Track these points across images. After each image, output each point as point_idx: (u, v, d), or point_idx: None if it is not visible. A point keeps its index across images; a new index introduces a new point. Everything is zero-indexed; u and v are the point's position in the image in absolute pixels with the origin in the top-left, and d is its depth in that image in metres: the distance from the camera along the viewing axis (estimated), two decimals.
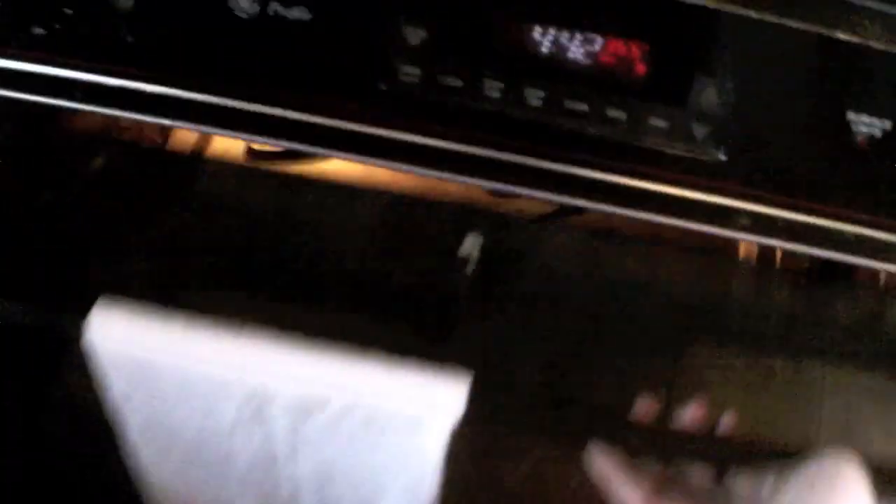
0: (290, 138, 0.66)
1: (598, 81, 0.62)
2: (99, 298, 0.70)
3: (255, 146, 0.89)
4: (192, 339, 0.69)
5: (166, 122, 0.67)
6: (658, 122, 0.63)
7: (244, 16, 0.62)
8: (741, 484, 0.64)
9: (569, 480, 0.81)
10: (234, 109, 0.66)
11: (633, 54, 0.61)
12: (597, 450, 0.67)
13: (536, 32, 0.61)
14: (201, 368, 0.70)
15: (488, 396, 0.68)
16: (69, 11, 0.64)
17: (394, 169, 0.66)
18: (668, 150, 0.64)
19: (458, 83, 0.63)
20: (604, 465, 0.67)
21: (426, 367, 0.69)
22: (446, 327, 0.75)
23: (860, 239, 0.65)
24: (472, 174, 0.66)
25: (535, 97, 0.63)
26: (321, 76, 0.64)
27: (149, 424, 0.76)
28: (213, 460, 0.78)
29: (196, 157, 0.88)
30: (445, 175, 0.66)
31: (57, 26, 0.64)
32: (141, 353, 0.70)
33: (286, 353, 0.69)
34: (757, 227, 0.66)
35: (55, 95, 0.67)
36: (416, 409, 0.68)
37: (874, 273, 0.73)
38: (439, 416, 0.68)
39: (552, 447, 0.79)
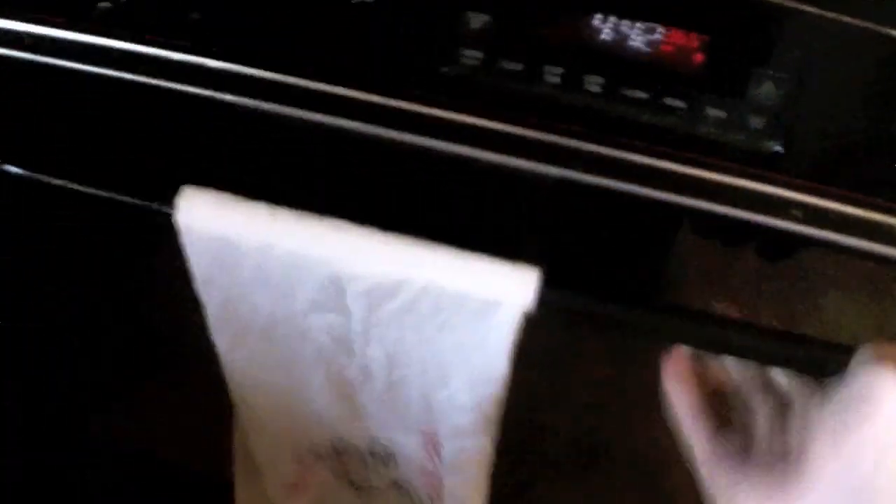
0: (354, 118, 0.67)
1: (656, 70, 0.63)
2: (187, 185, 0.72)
3: None
4: (274, 222, 0.71)
5: (228, 97, 0.68)
6: (715, 112, 0.64)
7: None
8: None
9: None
10: (297, 87, 0.67)
11: (693, 44, 0.62)
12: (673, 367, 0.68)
13: (597, 20, 0.62)
14: (282, 249, 0.72)
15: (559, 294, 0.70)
16: None
17: (452, 152, 0.66)
18: (724, 140, 0.64)
19: (519, 68, 0.64)
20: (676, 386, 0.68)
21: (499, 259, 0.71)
22: None
23: None
24: (529, 157, 0.66)
25: (594, 83, 0.64)
26: (385, 58, 0.65)
27: (229, 305, 0.79)
28: (288, 340, 0.81)
29: None
30: (503, 158, 0.66)
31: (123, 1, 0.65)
32: (224, 232, 0.72)
33: (365, 238, 0.71)
34: (809, 220, 0.66)
35: (122, 69, 0.69)
36: (489, 293, 0.70)
37: None
38: (511, 302, 0.70)
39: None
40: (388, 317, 0.73)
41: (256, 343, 0.82)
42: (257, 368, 0.86)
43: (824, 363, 0.63)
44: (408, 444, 0.90)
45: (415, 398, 0.83)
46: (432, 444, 0.88)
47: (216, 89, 0.68)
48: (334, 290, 0.72)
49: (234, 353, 0.85)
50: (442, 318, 0.71)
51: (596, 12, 0.62)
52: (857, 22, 0.60)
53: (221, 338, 0.84)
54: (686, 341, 0.68)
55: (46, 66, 0.70)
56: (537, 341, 0.70)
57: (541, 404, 0.85)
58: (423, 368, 0.77)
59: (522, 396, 0.75)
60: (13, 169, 0.74)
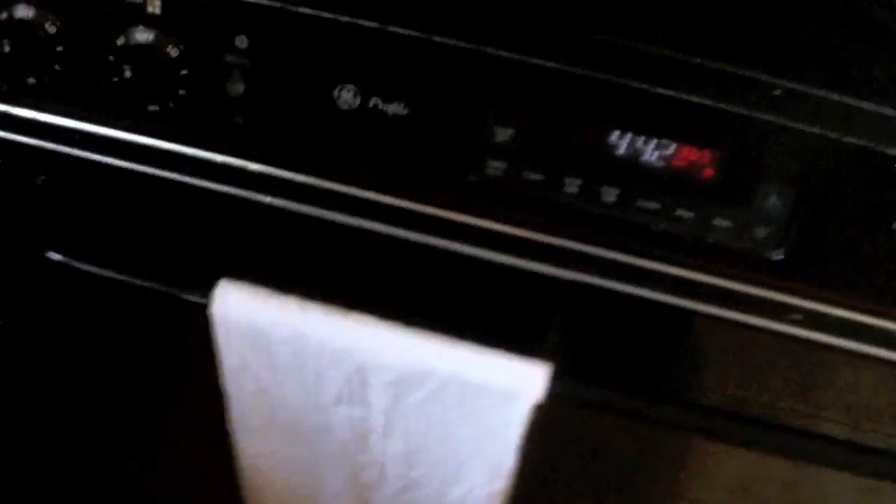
0: (385, 222, 0.72)
1: (669, 183, 0.67)
2: (222, 278, 0.77)
3: None
4: (306, 313, 0.76)
5: (267, 199, 0.73)
6: (722, 223, 0.68)
7: (346, 108, 0.68)
8: None
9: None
10: (332, 191, 0.71)
11: (704, 160, 0.67)
12: None
13: (614, 136, 0.66)
14: (314, 340, 0.77)
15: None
16: (182, 93, 0.69)
17: (477, 255, 0.71)
18: (731, 248, 0.69)
19: (540, 178, 0.68)
20: None
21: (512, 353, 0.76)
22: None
23: None
24: (547, 262, 0.71)
25: (610, 195, 0.68)
26: (415, 167, 0.69)
27: (258, 394, 0.83)
28: (311, 435, 0.85)
29: None
30: (524, 263, 0.71)
31: (171, 105, 0.70)
32: (259, 323, 0.77)
33: (392, 331, 0.76)
34: (809, 324, 0.71)
35: (167, 169, 0.73)
36: (506, 384, 0.75)
37: None
38: (525, 391, 0.75)
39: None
40: (411, 408, 0.77)
41: (279, 439, 0.86)
42: (276, 469, 0.89)
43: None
44: None
45: (429, 500, 0.86)
46: None
47: (255, 189, 0.72)
48: (359, 382, 0.76)
49: (257, 447, 0.88)
50: (463, 409, 0.75)
51: (614, 129, 0.66)
52: (853, 140, 0.64)
53: (245, 433, 0.87)
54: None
55: (94, 162, 0.74)
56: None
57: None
58: (441, 460, 0.80)
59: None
60: (56, 255, 0.78)
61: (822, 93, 0.64)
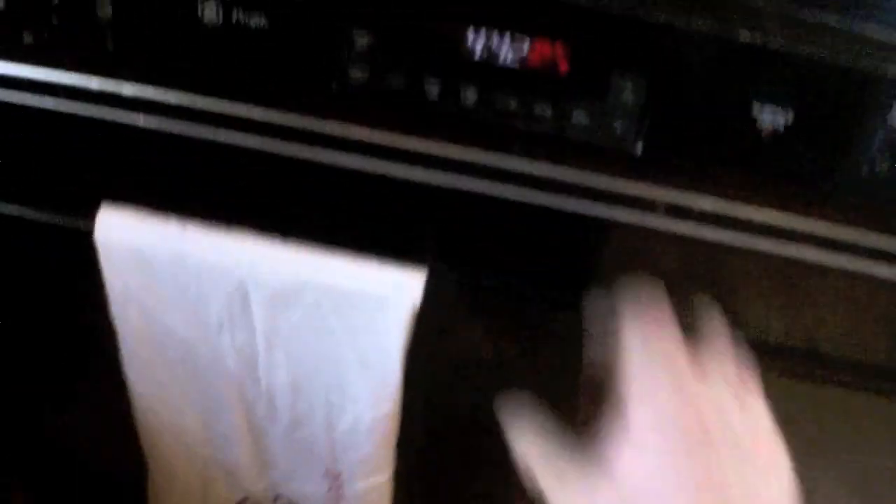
0: (255, 134, 0.74)
1: (526, 79, 0.69)
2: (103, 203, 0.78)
3: None
4: (185, 233, 0.77)
5: (140, 121, 0.74)
6: (581, 118, 0.70)
7: (210, 23, 0.70)
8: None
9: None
10: (204, 110, 0.73)
11: (557, 53, 0.69)
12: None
13: (471, 35, 0.68)
14: (194, 260, 0.78)
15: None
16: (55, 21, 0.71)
17: (342, 164, 0.73)
18: (592, 144, 0.71)
19: (402, 82, 0.70)
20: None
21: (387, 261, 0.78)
22: None
23: (765, 225, 0.72)
24: (415, 167, 0.73)
25: (470, 96, 0.70)
26: (280, 78, 0.71)
27: (145, 324, 0.83)
28: (199, 367, 0.85)
29: None
30: (391, 169, 0.73)
31: (45, 35, 0.72)
32: (141, 246, 0.78)
33: (267, 246, 0.78)
34: (673, 215, 0.72)
35: (43, 96, 0.75)
36: (381, 291, 0.77)
37: None
38: (402, 296, 0.77)
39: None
40: (292, 326, 0.78)
41: (169, 374, 0.86)
42: (168, 408, 0.90)
43: None
44: (312, 495, 0.95)
45: (318, 435, 0.88)
46: (335, 490, 0.92)
47: (131, 111, 0.74)
48: (240, 301, 0.77)
49: (146, 386, 0.89)
50: (341, 322, 0.77)
51: (469, 27, 0.68)
52: (704, 28, 0.66)
53: (134, 369, 0.88)
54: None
55: None
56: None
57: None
58: (323, 391, 0.82)
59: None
60: None
61: None
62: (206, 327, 0.81)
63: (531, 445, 0.66)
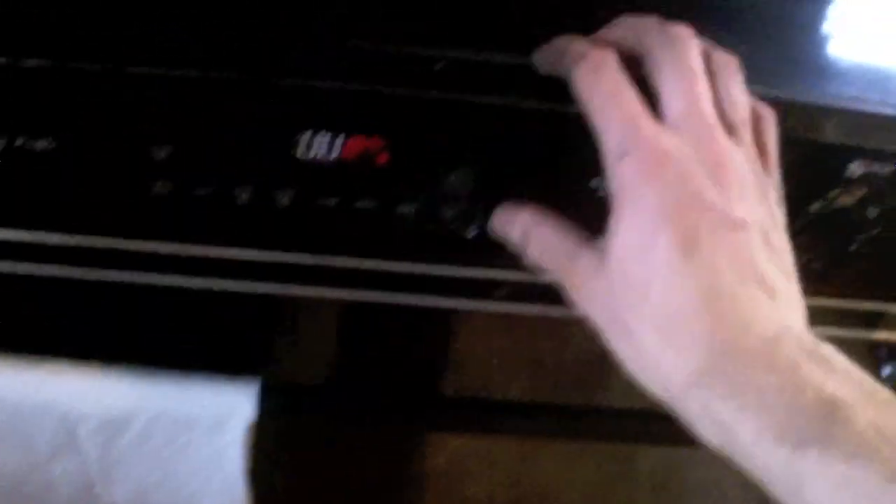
0: (61, 262, 0.68)
1: (344, 176, 0.64)
2: None
3: None
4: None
5: None
6: (407, 209, 0.66)
7: None
8: None
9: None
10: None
11: (375, 147, 0.64)
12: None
13: (279, 136, 0.63)
14: (11, 399, 0.73)
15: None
16: None
17: (154, 281, 0.67)
18: (423, 233, 0.67)
19: (209, 191, 0.65)
20: None
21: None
22: None
23: None
24: (234, 277, 0.68)
25: (285, 196, 0.65)
26: (80, 198, 0.65)
27: None
28: (34, 492, 0.80)
29: None
30: (201, 281, 0.67)
31: None
32: None
33: (87, 374, 0.73)
34: (516, 296, 0.69)
35: None
36: (212, 411, 0.73)
37: None
38: (234, 414, 0.73)
39: None
40: (124, 453, 0.73)
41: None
42: None
43: None
44: None
45: None
46: None
47: None
48: (66, 433, 0.72)
49: None
50: (176, 445, 0.72)
51: (277, 129, 0.62)
52: (527, 104, 0.62)
53: None
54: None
55: None
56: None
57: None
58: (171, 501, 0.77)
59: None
60: None
61: (486, 57, 0.61)
62: (34, 460, 0.76)
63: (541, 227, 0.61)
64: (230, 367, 0.73)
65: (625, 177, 0.54)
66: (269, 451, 0.75)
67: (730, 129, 0.56)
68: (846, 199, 0.67)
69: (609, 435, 0.80)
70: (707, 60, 0.58)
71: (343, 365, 0.77)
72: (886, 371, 0.77)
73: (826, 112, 0.65)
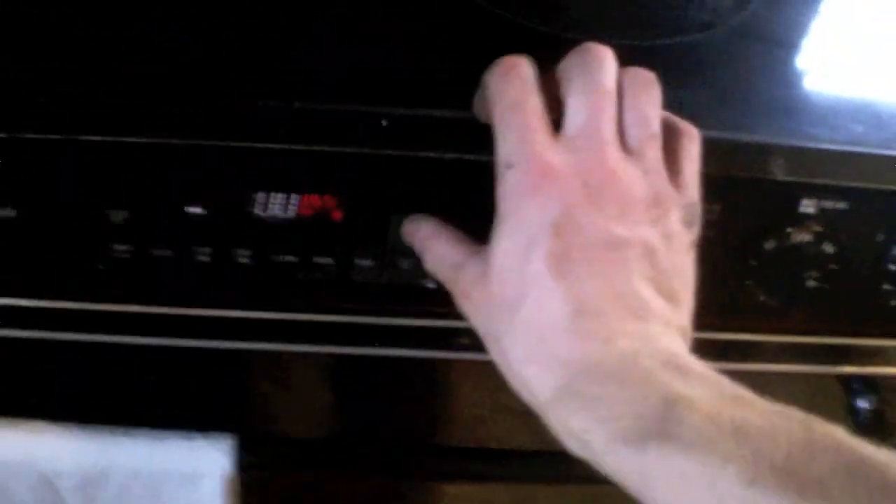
0: (28, 327, 0.70)
1: (300, 232, 0.65)
2: None
3: None
4: None
5: None
6: (363, 262, 0.66)
7: None
8: None
9: None
10: None
11: (329, 204, 0.65)
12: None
13: (234, 197, 0.64)
14: None
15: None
16: None
17: (116, 342, 0.69)
18: (379, 284, 0.67)
19: (168, 253, 0.66)
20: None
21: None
22: None
23: None
24: (194, 337, 0.69)
25: (243, 256, 0.66)
26: (39, 265, 0.67)
27: None
28: None
29: None
30: (169, 341, 0.69)
31: None
32: None
33: (63, 433, 0.74)
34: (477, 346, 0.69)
35: None
36: (188, 466, 0.74)
37: None
38: (211, 469, 0.74)
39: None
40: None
41: None
42: None
43: None
44: None
45: None
46: None
47: None
48: (47, 490, 0.74)
49: None
50: (160, 499, 0.73)
51: (227, 191, 0.64)
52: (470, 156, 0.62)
53: None
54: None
55: None
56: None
57: None
58: None
59: None
60: None
61: (430, 112, 0.62)
62: None
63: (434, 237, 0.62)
64: (204, 423, 0.73)
65: (507, 187, 0.55)
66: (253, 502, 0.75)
67: (631, 146, 0.57)
68: (801, 236, 0.67)
69: (602, 477, 0.80)
70: (623, 76, 0.58)
71: (317, 417, 0.78)
72: (862, 404, 0.77)
73: (775, 149, 0.64)
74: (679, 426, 0.47)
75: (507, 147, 0.55)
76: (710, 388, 0.50)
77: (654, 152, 0.57)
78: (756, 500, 0.44)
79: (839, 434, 0.46)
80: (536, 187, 0.54)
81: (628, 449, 0.48)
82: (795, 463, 0.45)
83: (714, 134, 0.63)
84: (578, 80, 0.57)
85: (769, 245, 0.67)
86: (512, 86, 0.56)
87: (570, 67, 0.58)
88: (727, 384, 0.50)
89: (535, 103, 0.56)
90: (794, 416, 0.48)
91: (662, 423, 0.48)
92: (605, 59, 0.57)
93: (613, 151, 0.55)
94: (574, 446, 0.52)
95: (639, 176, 0.56)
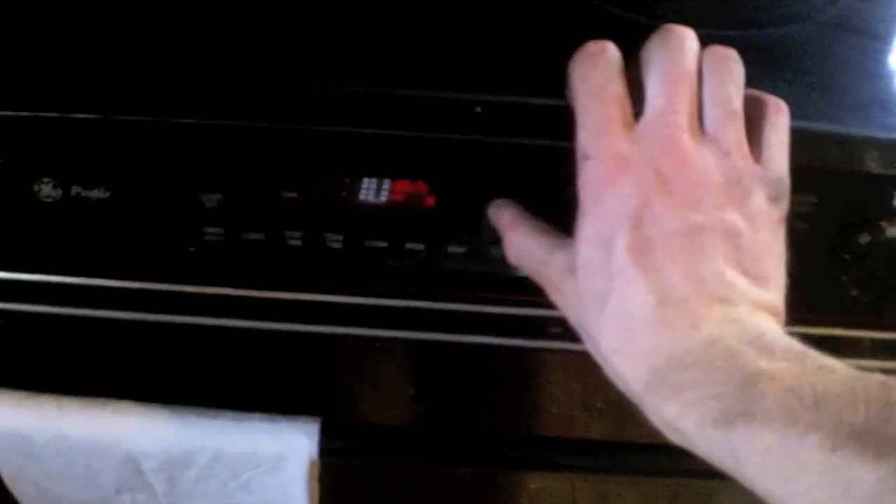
0: (119, 308, 0.71)
1: (392, 218, 0.65)
2: None
3: None
4: (63, 411, 0.75)
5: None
6: (456, 249, 0.66)
7: (48, 200, 0.65)
8: None
9: None
10: (61, 285, 0.69)
11: (421, 190, 0.65)
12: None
13: (325, 183, 0.65)
14: (76, 438, 0.75)
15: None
16: None
17: (206, 324, 0.69)
18: (471, 272, 0.67)
19: (261, 236, 0.66)
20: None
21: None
22: None
23: None
24: (284, 320, 0.69)
25: (334, 241, 0.66)
26: (131, 247, 0.67)
27: (41, 497, 0.81)
28: None
29: None
30: (258, 324, 0.69)
31: None
32: (21, 429, 0.75)
33: (150, 414, 0.75)
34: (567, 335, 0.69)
35: None
36: (273, 448, 0.74)
37: None
38: (295, 451, 0.74)
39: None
40: (190, 487, 0.75)
41: None
42: None
43: None
44: None
45: None
46: None
47: None
48: (132, 470, 0.74)
49: None
50: (240, 480, 0.74)
51: (322, 176, 0.64)
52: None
53: None
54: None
55: None
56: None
57: None
58: None
59: None
60: None
61: (522, 100, 0.62)
62: (103, 493, 0.78)
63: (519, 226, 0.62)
64: (288, 407, 0.74)
65: (586, 179, 0.55)
66: (332, 487, 0.75)
67: (710, 126, 0.56)
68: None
69: (686, 471, 0.79)
70: (704, 56, 0.58)
71: (402, 404, 0.78)
72: None
73: (870, 142, 0.64)
74: (761, 401, 0.48)
75: (584, 137, 0.56)
76: (793, 361, 0.50)
77: (735, 130, 0.56)
78: (837, 466, 0.45)
79: None
80: (612, 180, 0.54)
81: (717, 431, 0.49)
82: (873, 425, 0.45)
83: (808, 125, 0.62)
84: (658, 62, 0.57)
85: (863, 239, 0.66)
86: (596, 70, 0.56)
87: (651, 50, 0.58)
88: (813, 355, 0.50)
89: (615, 90, 0.56)
90: (873, 379, 0.48)
91: (746, 401, 0.48)
92: (685, 40, 0.57)
93: (687, 137, 0.55)
94: (671, 436, 0.53)
95: (716, 158, 0.55)
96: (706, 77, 0.57)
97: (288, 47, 0.67)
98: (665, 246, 0.53)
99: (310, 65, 0.65)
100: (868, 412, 0.46)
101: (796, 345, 0.51)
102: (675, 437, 0.53)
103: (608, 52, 0.57)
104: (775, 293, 0.55)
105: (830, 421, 0.46)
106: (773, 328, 0.53)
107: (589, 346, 0.57)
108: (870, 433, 0.45)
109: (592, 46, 0.57)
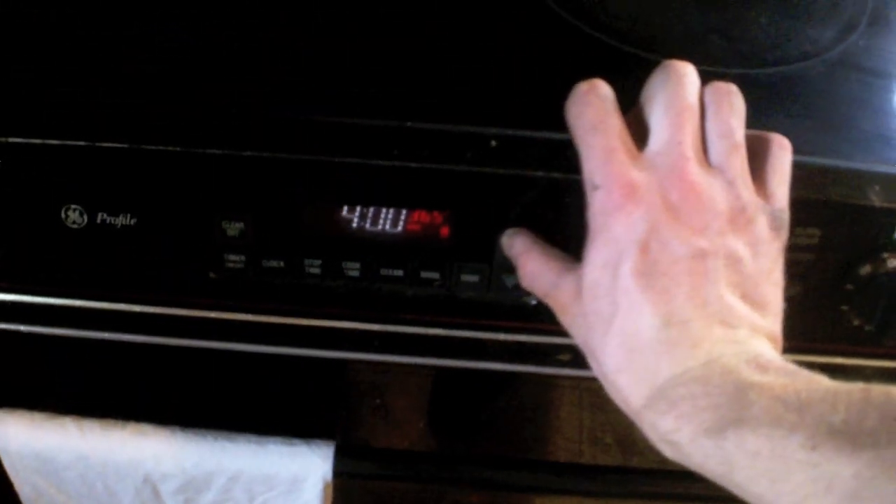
0: (138, 332, 0.72)
1: (408, 247, 0.67)
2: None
3: None
4: (84, 433, 0.76)
5: (22, 328, 0.72)
6: (470, 277, 0.68)
7: (75, 226, 0.67)
8: None
9: None
10: (82, 309, 0.71)
11: (437, 220, 0.67)
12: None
13: (344, 212, 0.66)
14: (96, 459, 0.76)
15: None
16: None
17: (226, 348, 0.71)
18: (485, 301, 0.69)
19: (280, 264, 0.68)
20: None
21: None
22: None
23: None
24: (300, 346, 0.71)
25: (352, 269, 0.68)
26: (155, 273, 0.69)
27: None
28: None
29: None
30: (276, 349, 0.71)
31: None
32: (41, 450, 0.76)
33: (170, 437, 0.76)
34: (576, 363, 0.71)
35: None
36: (289, 470, 0.76)
37: None
38: (311, 474, 0.76)
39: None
40: None
41: None
42: None
43: None
44: None
45: None
46: None
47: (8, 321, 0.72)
48: (150, 492, 0.76)
49: None
50: (257, 502, 0.75)
51: (342, 206, 0.66)
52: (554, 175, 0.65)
53: None
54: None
55: None
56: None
57: None
58: None
59: None
60: None
61: (537, 134, 0.64)
62: None
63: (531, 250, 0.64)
64: (304, 430, 0.75)
65: (595, 208, 0.57)
66: None
67: (715, 157, 0.58)
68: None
69: (693, 497, 0.81)
70: (705, 90, 0.60)
71: (415, 429, 0.80)
72: None
73: (873, 176, 0.66)
74: (751, 408, 0.50)
75: (591, 168, 0.57)
76: (785, 376, 0.52)
77: (739, 162, 0.58)
78: (818, 462, 0.47)
79: (894, 390, 0.49)
80: (621, 207, 0.56)
81: (710, 439, 0.51)
82: (851, 423, 0.48)
83: (812, 160, 0.64)
84: (660, 96, 0.59)
85: (865, 270, 0.68)
86: (590, 108, 0.58)
87: (652, 86, 0.60)
88: (805, 373, 0.52)
89: (614, 123, 0.58)
90: (856, 385, 0.50)
91: (737, 409, 0.50)
92: (685, 73, 0.59)
93: (693, 166, 0.56)
94: (665, 449, 0.55)
95: (721, 187, 0.57)
96: (708, 110, 0.59)
97: (308, 80, 0.69)
98: (671, 270, 0.55)
99: (330, 97, 0.66)
100: (848, 412, 0.48)
101: (790, 365, 0.53)
102: (668, 451, 0.55)
103: (600, 90, 0.59)
104: (773, 319, 0.58)
105: (812, 421, 0.48)
106: (769, 351, 0.55)
107: (593, 365, 0.59)
108: (847, 430, 0.47)
109: (583, 86, 0.59)
